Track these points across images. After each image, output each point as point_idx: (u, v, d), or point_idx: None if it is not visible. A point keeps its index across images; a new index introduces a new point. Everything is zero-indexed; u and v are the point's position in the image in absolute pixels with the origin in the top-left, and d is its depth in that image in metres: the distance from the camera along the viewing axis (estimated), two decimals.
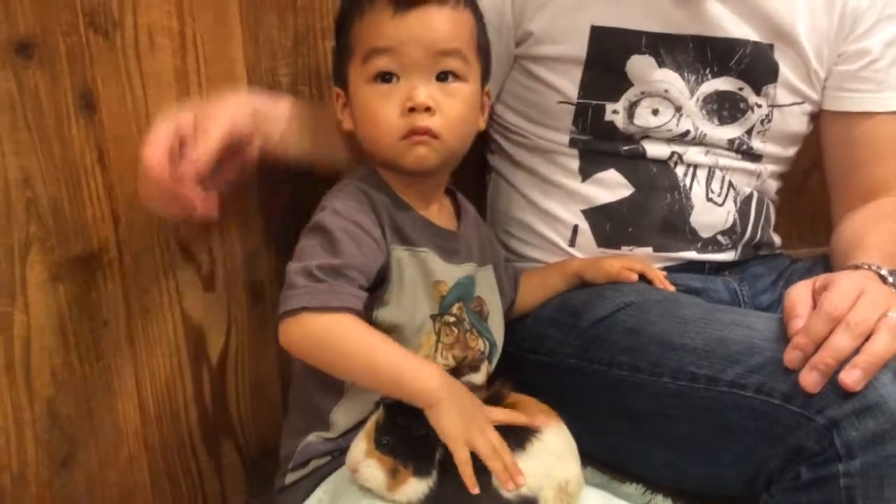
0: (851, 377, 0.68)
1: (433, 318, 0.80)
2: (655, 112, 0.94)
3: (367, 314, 0.76)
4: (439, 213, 0.85)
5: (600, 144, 0.95)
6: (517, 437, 0.73)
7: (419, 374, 0.73)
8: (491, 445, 0.71)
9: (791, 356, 0.72)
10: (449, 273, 0.82)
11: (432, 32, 0.78)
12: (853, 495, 0.67)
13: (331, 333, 0.73)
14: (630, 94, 0.93)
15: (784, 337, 0.74)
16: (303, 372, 0.83)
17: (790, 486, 0.70)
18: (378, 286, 0.78)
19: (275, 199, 0.96)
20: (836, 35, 0.97)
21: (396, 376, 0.73)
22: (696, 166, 0.96)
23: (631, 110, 0.94)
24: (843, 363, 0.69)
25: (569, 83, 0.93)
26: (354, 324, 0.74)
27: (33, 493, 0.83)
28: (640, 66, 0.92)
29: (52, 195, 0.81)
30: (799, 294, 0.75)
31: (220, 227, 0.92)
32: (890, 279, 0.78)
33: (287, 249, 0.98)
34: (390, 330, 0.77)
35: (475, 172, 1.09)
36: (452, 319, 0.82)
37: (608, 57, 0.92)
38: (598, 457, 0.84)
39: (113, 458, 0.88)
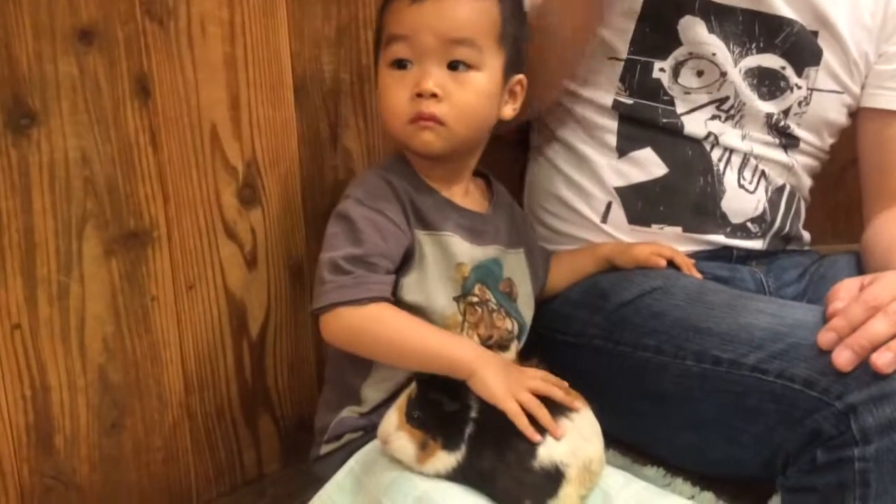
0: (883, 359, 0.69)
1: (456, 299, 0.83)
2: (700, 73, 0.95)
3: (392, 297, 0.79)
4: (466, 195, 0.87)
5: (642, 111, 0.97)
6: (550, 413, 0.75)
7: (454, 349, 0.77)
8: (534, 398, 0.74)
9: (825, 337, 0.73)
10: (471, 254, 0.84)
11: (445, 21, 0.80)
12: (867, 479, 0.69)
13: (365, 325, 0.77)
14: (678, 54, 0.95)
15: (808, 325, 0.76)
16: (336, 350, 0.86)
17: (806, 469, 0.72)
18: (402, 268, 0.80)
19: (316, 181, 1.00)
20: (878, 35, 0.98)
21: (433, 355, 0.77)
22: (731, 151, 0.97)
23: (677, 69, 0.95)
24: (876, 348, 0.70)
25: (620, 39, 0.95)
26: (386, 312, 0.77)
27: (83, 454, 0.87)
28: (692, 27, 0.94)
29: (107, 174, 0.84)
30: (846, 284, 0.77)
31: (263, 208, 0.96)
32: None
33: None
34: (414, 311, 0.80)
35: (516, 154, 1.12)
36: (475, 300, 0.84)
37: (661, 14, 0.94)
38: (621, 436, 0.86)
39: (158, 425, 0.92)
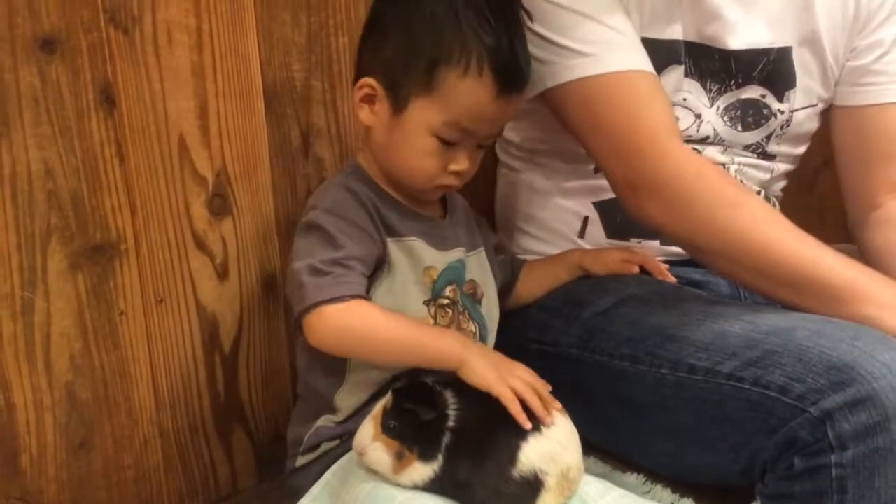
0: None
1: (426, 303, 0.82)
2: (676, 120, 0.94)
3: None
4: (424, 204, 0.87)
5: None
6: (534, 417, 0.74)
7: (441, 341, 0.77)
8: (526, 382, 0.74)
9: None
10: (438, 259, 0.84)
11: (508, 115, 0.84)
12: (844, 485, 0.69)
13: (352, 322, 0.76)
14: None
15: (782, 331, 0.76)
16: (308, 361, 0.85)
17: (784, 476, 0.72)
18: (372, 277, 0.80)
19: (289, 190, 0.99)
20: (850, 30, 0.97)
21: (420, 348, 0.77)
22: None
23: None
24: None
25: None
26: (370, 308, 0.77)
27: (51, 474, 0.85)
28: (673, 77, 0.93)
29: (72, 187, 0.83)
30: None
31: (234, 218, 0.95)
32: None
33: None
34: None
35: (485, 164, 1.11)
36: (447, 301, 0.84)
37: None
38: (599, 445, 0.86)
39: (128, 442, 0.90)
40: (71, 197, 0.83)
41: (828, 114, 1.02)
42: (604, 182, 0.97)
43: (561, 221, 1.00)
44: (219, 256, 0.94)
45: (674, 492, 0.84)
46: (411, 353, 0.77)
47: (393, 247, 0.82)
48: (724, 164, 0.98)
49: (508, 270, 0.96)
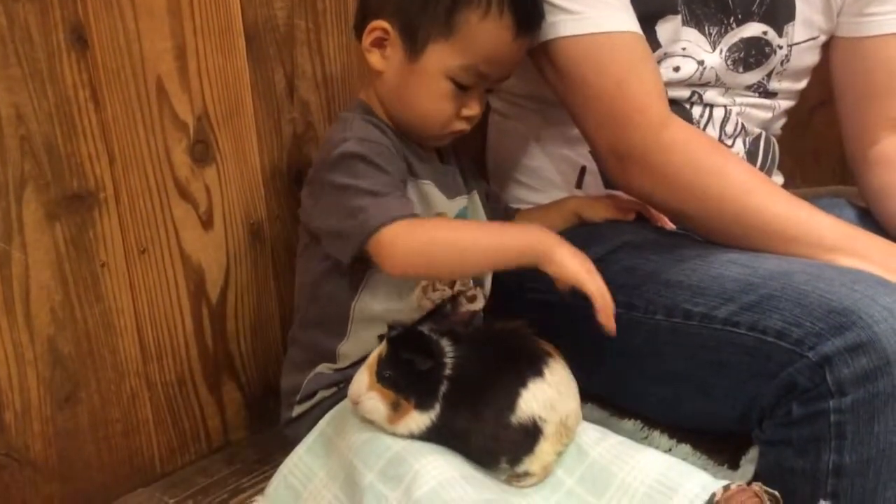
0: None
1: None
2: (677, 69, 0.92)
3: None
4: (427, 150, 0.85)
5: None
6: (532, 366, 0.74)
7: (525, 236, 0.76)
8: (602, 285, 0.74)
9: None
10: (447, 207, 0.83)
11: (519, 61, 0.82)
12: (843, 431, 0.69)
13: (433, 234, 0.75)
14: (656, 55, 0.90)
15: (780, 275, 0.75)
16: (305, 314, 0.84)
17: (781, 422, 0.72)
18: None
19: (274, 135, 0.95)
20: None
21: (505, 247, 0.76)
22: (712, 107, 0.95)
23: None
24: None
25: None
26: (440, 220, 0.79)
27: (36, 429, 0.84)
28: (669, 27, 0.90)
29: (45, 132, 0.79)
30: None
31: (217, 165, 0.91)
32: None
33: (286, 189, 0.98)
34: None
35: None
36: None
37: (642, 18, 0.87)
38: (597, 393, 0.86)
39: (115, 396, 0.89)
40: (45, 143, 0.79)
41: (828, 46, 0.99)
42: None
43: (557, 172, 0.97)
44: (202, 204, 0.91)
45: (671, 438, 0.84)
46: (497, 254, 0.76)
47: (411, 187, 0.80)
48: (725, 107, 0.96)
49: (501, 218, 0.94)
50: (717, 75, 0.94)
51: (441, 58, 0.78)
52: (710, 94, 0.95)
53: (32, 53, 0.77)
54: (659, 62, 0.91)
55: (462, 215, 0.85)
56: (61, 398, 0.85)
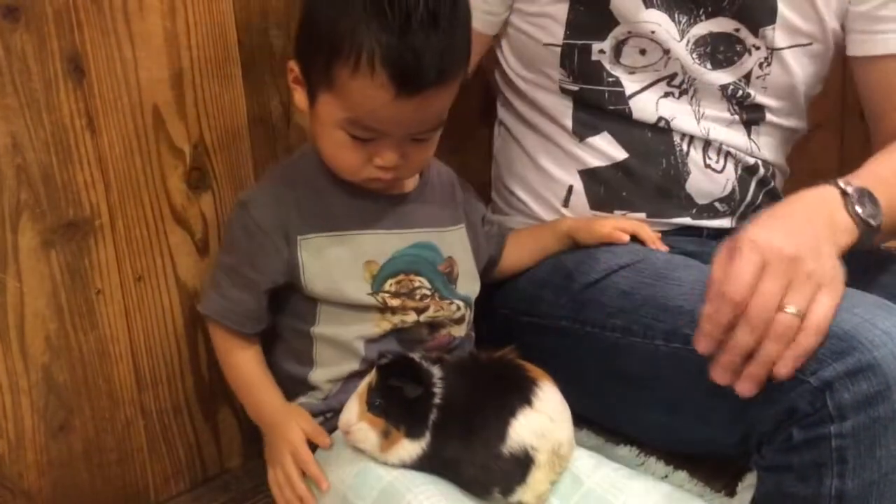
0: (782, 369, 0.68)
1: (371, 294, 0.80)
2: (643, 52, 0.91)
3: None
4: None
5: (590, 97, 0.93)
6: (522, 394, 0.73)
7: (273, 412, 0.81)
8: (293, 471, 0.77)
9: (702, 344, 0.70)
10: (385, 248, 0.81)
11: (426, 115, 0.74)
12: (844, 456, 0.67)
13: (221, 348, 0.84)
14: (617, 33, 0.90)
15: None
16: (272, 345, 0.85)
17: (781, 448, 0.70)
18: (295, 273, 0.79)
19: (269, 162, 0.95)
20: None
21: (256, 409, 0.83)
22: (690, 136, 0.94)
23: (618, 49, 0.91)
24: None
25: (554, 23, 0.91)
26: (234, 344, 0.83)
27: (30, 459, 0.83)
28: (626, 4, 0.89)
29: (41, 161, 0.80)
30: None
31: (213, 192, 0.92)
32: (854, 195, 0.74)
33: None
34: (328, 300, 0.79)
35: (488, 132, 1.08)
36: (392, 290, 0.81)
37: None
38: (592, 418, 0.85)
39: (110, 424, 0.88)
40: (41, 172, 0.80)
41: (843, 60, 0.96)
42: (586, 152, 0.94)
43: (547, 188, 0.97)
44: (198, 232, 0.92)
45: (667, 464, 0.83)
46: (251, 408, 0.84)
47: (326, 241, 0.79)
48: (704, 141, 0.93)
49: (495, 243, 0.93)
50: (682, 68, 0.92)
51: (329, 109, 0.74)
52: (680, 122, 0.93)
53: (29, 83, 0.78)
54: (624, 40, 0.90)
55: (417, 254, 0.82)
56: (55, 427, 0.85)
